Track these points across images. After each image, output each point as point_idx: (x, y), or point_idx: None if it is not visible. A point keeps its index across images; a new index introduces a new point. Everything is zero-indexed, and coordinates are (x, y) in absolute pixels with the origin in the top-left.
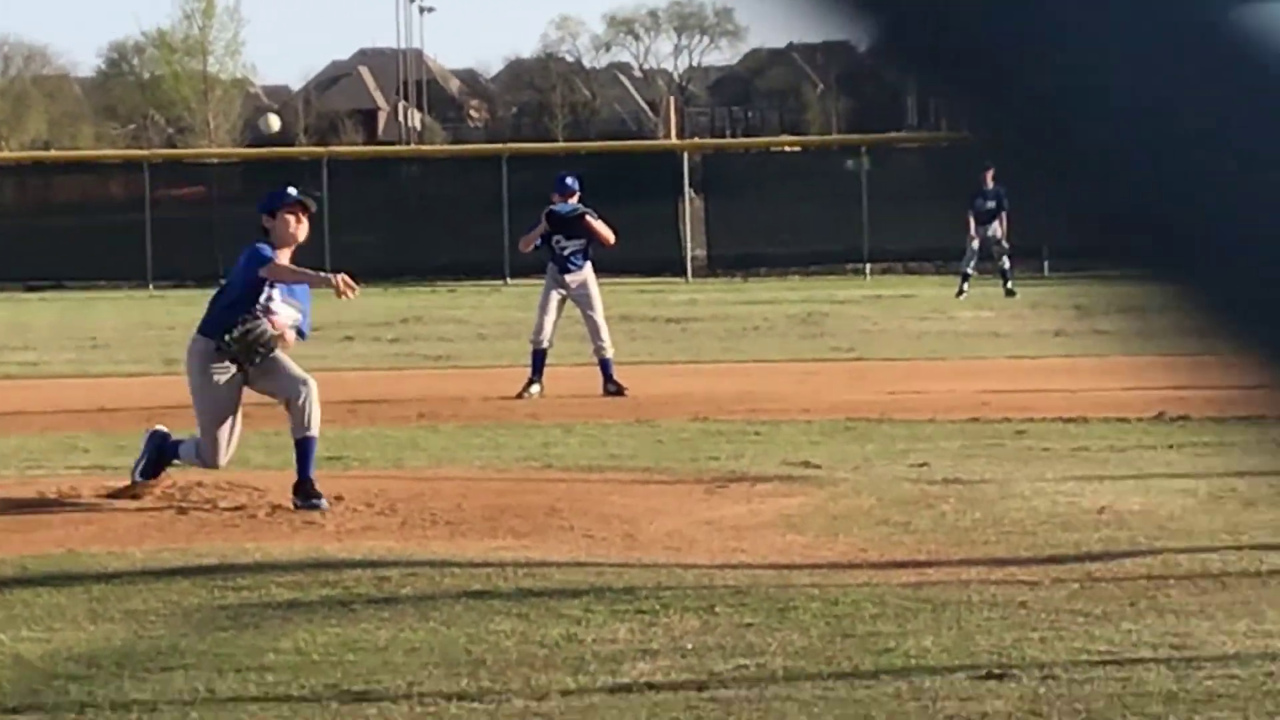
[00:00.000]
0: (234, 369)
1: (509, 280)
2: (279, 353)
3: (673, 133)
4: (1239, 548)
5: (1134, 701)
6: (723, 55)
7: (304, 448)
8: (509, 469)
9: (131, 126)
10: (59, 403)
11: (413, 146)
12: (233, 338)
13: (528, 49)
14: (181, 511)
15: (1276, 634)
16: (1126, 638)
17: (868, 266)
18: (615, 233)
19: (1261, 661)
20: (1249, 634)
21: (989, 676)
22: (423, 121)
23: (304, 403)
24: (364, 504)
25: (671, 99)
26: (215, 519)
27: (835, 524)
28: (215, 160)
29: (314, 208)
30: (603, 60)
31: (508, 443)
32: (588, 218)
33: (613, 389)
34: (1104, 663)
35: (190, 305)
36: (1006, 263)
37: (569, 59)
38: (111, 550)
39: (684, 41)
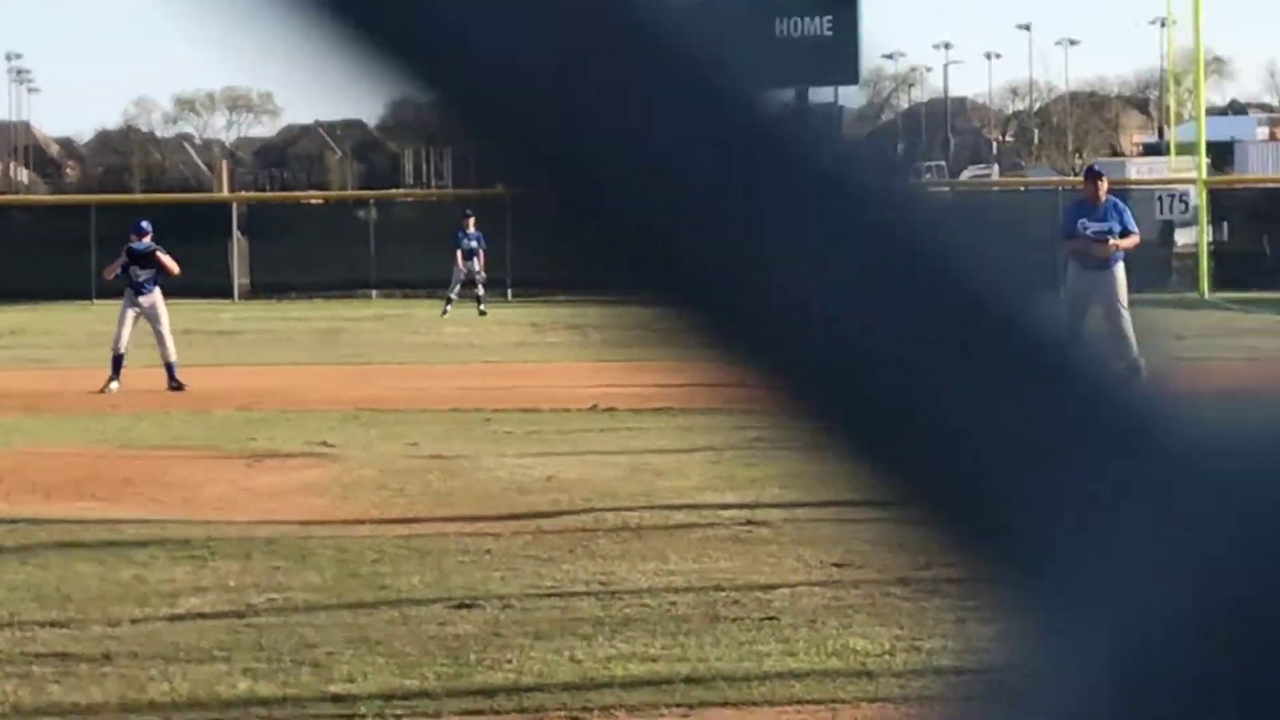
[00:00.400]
0: None
1: (95, 301)
2: None
3: (225, 188)
4: (651, 507)
5: (571, 624)
6: (265, 128)
7: None
8: (94, 448)
9: None
10: None
11: (20, 196)
12: None
13: (113, 122)
14: None
15: (678, 573)
16: (566, 575)
17: (374, 292)
18: (179, 265)
19: (667, 594)
20: (657, 573)
21: (461, 606)
22: (29, 177)
23: None
24: None
25: (224, 162)
26: None
27: (347, 490)
28: None
29: None
30: (171, 131)
31: (93, 427)
32: (158, 253)
33: (175, 386)
34: (549, 595)
35: None
36: (481, 290)
37: (145, 130)
38: None
39: (234, 118)
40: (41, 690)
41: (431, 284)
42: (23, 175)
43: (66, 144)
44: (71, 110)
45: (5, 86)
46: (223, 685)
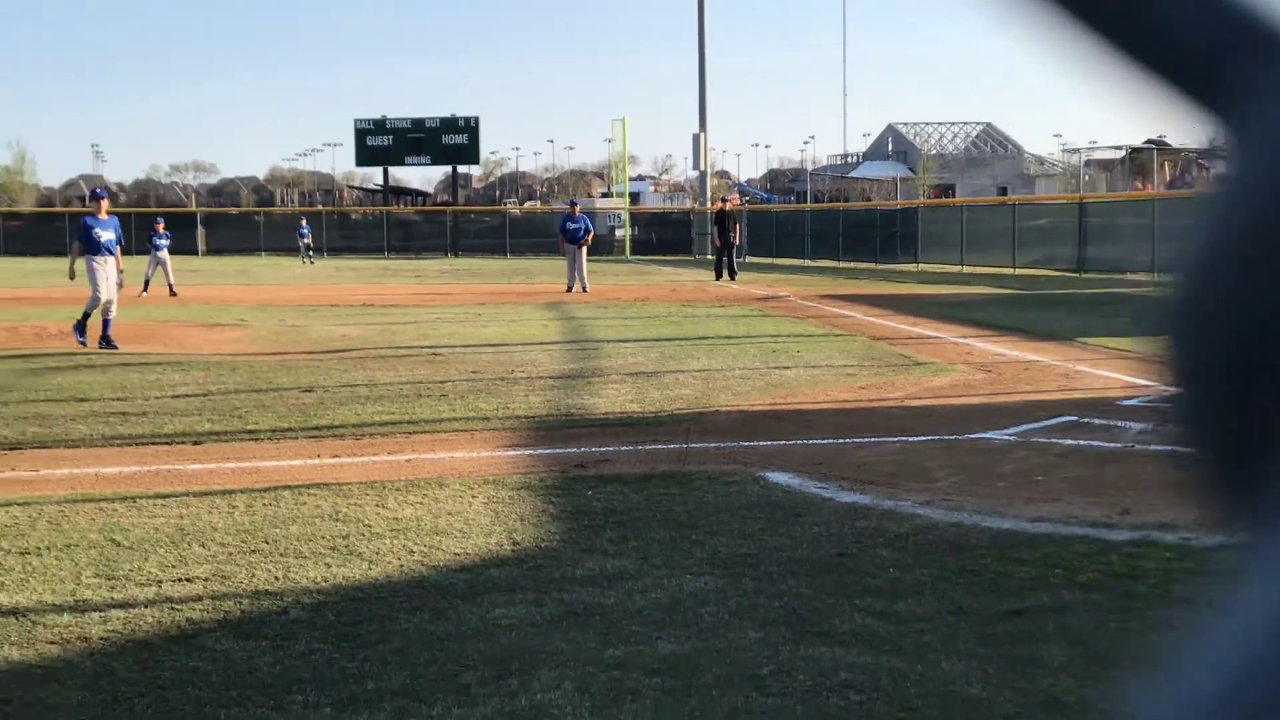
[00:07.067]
0: None
1: None
2: None
3: None
4: (393, 347)
5: (358, 398)
6: None
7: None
8: (139, 322)
9: None
10: None
11: None
12: None
13: None
14: None
15: (407, 378)
16: (358, 377)
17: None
18: None
19: (402, 384)
20: (396, 371)
21: (306, 390)
22: None
23: None
24: None
25: None
26: None
27: (253, 340)
28: None
29: None
30: None
31: (137, 312)
32: None
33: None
34: (348, 385)
35: None
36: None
37: None
38: None
39: None
40: (107, 423)
41: None
42: None
43: None
44: None
45: None
46: (197, 424)
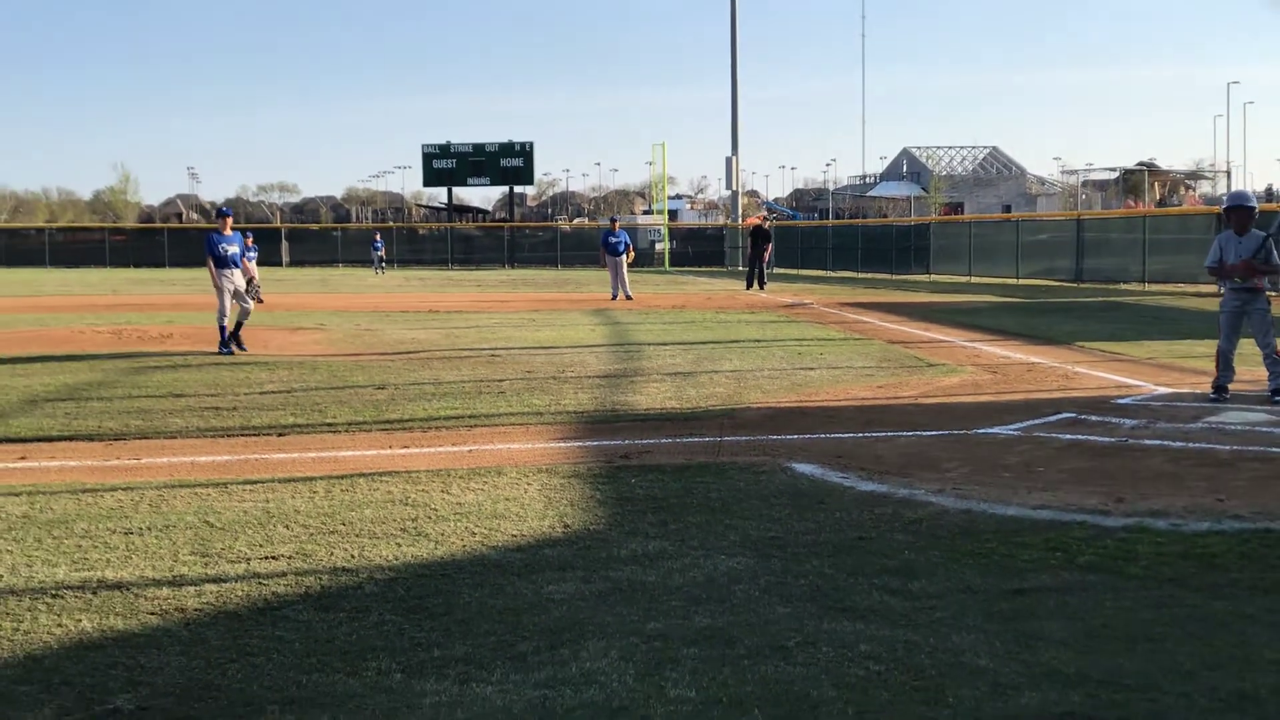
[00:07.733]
0: None
1: None
2: None
3: None
4: (455, 348)
5: (425, 394)
6: None
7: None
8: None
9: None
10: None
11: None
12: None
13: None
14: None
15: (468, 377)
16: (425, 376)
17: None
18: None
19: (467, 382)
20: (472, 368)
21: (379, 388)
22: None
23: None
24: None
25: None
26: None
27: (331, 342)
28: None
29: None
30: None
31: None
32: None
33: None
34: (419, 383)
35: None
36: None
37: None
38: None
39: None
40: (201, 416)
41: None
42: None
43: None
44: None
45: None
46: (282, 418)
